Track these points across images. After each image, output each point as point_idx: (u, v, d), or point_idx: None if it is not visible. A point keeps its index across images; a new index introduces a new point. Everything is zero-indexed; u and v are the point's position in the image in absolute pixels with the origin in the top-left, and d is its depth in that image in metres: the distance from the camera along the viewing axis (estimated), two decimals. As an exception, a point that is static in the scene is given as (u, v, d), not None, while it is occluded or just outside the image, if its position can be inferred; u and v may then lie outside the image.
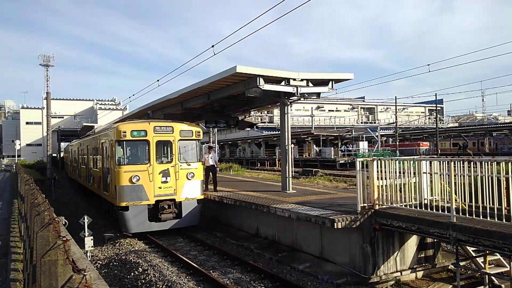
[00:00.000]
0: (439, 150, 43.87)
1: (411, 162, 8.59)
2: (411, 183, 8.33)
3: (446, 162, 7.55)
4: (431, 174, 8.32)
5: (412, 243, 8.86)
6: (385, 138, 57.21)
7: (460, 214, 6.92)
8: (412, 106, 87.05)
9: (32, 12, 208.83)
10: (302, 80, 12.45)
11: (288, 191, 13.35)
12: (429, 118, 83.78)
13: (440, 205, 7.78)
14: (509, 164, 6.37)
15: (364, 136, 50.87)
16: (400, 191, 8.31)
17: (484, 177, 6.76)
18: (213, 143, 36.09)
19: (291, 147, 14.28)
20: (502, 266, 8.01)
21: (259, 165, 48.21)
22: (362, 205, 8.46)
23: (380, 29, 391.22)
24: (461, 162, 7.18)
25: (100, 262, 10.26)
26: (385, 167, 8.39)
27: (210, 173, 15.13)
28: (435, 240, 8.78)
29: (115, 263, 9.95)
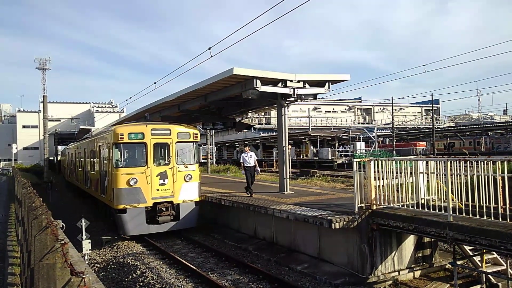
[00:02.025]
0: (436, 150, 44.01)
1: (408, 162, 8.63)
2: (408, 183, 8.37)
3: (443, 161, 7.58)
4: (428, 174, 8.36)
5: (409, 242, 8.89)
6: (382, 139, 57.39)
7: (457, 213, 6.95)
8: (409, 106, 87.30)
9: (28, 15, 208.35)
10: (298, 81, 12.49)
11: (285, 192, 13.37)
12: (425, 118, 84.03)
13: (437, 205, 7.81)
14: (505, 163, 6.42)
15: (361, 136, 51.00)
16: (397, 191, 8.34)
17: (480, 176, 6.80)
18: (210, 144, 36.05)
19: (289, 148, 14.27)
20: (499, 265, 8.05)
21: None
22: (359, 205, 8.49)
23: (375, 31, 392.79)
24: (458, 161, 7.23)
25: (98, 265, 10.24)
26: (382, 167, 8.42)
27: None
28: (433, 239, 8.81)
29: (113, 266, 9.93)
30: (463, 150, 42.01)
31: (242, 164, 13.52)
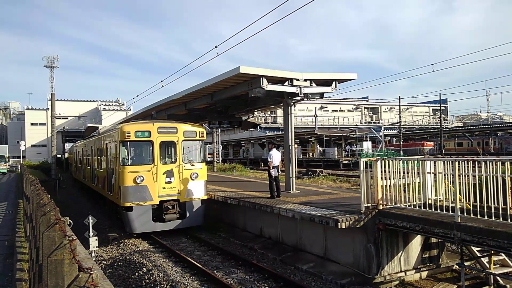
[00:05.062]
0: (443, 150, 43.66)
1: (415, 162, 8.57)
2: (415, 183, 8.31)
3: (451, 162, 7.52)
4: (435, 174, 8.29)
5: (416, 243, 8.84)
6: (389, 138, 57.02)
7: (465, 214, 6.89)
8: (416, 106, 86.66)
9: (35, 15, 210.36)
10: (305, 80, 12.45)
11: (291, 191, 13.35)
12: (433, 118, 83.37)
13: (444, 205, 7.75)
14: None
15: (368, 136, 50.72)
16: (404, 191, 8.30)
17: (488, 177, 6.74)
18: (216, 143, 36.08)
19: (295, 147, 14.24)
20: (507, 266, 7.97)
21: (262, 165, 48.18)
22: (366, 205, 8.45)
23: (382, 30, 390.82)
24: (466, 162, 7.17)
25: (105, 262, 10.31)
26: (389, 167, 8.37)
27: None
28: (440, 240, 8.75)
29: (119, 263, 10.00)
30: (477, 149, 41.52)
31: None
